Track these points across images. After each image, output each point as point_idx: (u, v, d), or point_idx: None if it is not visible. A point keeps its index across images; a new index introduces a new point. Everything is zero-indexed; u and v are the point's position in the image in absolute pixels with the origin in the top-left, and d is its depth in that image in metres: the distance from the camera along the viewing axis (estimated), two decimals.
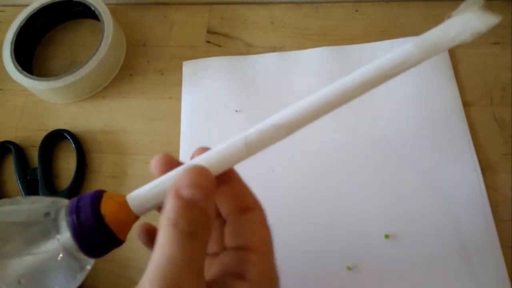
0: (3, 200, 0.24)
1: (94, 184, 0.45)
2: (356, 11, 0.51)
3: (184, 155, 0.44)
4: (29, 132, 0.49)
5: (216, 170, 0.23)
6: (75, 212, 0.22)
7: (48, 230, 0.22)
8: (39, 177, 0.44)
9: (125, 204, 0.23)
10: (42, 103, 0.50)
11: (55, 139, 0.47)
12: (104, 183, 0.45)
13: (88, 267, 0.24)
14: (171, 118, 0.47)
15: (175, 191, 0.21)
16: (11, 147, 0.46)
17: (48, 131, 0.47)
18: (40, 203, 0.24)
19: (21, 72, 0.47)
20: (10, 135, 0.48)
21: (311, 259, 0.38)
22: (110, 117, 0.48)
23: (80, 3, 0.51)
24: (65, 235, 0.22)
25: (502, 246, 0.37)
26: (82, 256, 0.22)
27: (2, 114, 0.50)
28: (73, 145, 0.46)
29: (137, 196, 0.23)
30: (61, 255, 0.22)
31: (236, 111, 0.46)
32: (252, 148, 0.23)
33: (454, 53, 0.46)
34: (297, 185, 0.41)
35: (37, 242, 0.22)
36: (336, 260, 0.38)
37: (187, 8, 0.54)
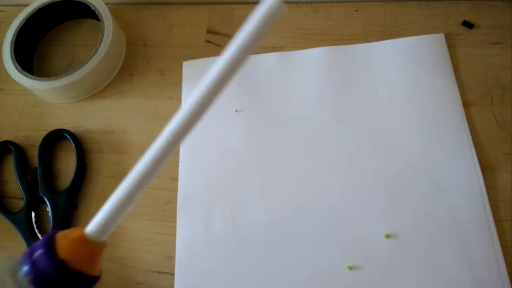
0: None
1: (94, 184, 0.45)
2: (356, 10, 0.51)
3: (184, 155, 0.44)
4: (29, 132, 0.49)
5: None
6: (32, 267, 0.19)
7: None
8: (39, 177, 0.44)
9: (83, 237, 0.21)
10: (42, 103, 0.50)
11: (55, 139, 0.47)
12: (104, 183, 0.45)
13: None
14: (171, 118, 0.47)
15: None
16: (11, 147, 0.46)
17: (48, 131, 0.47)
18: None
19: (21, 72, 0.47)
20: (10, 135, 0.49)
21: (311, 259, 0.38)
22: (110, 117, 0.48)
23: (80, 3, 0.51)
24: None
25: (502, 246, 0.37)
26: None
27: (2, 114, 0.50)
28: (73, 145, 0.46)
29: (94, 223, 0.21)
30: None
31: (236, 111, 0.46)
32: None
33: (454, 53, 0.46)
34: (297, 185, 0.42)
35: None
36: (336, 260, 0.38)
37: (187, 8, 0.54)
